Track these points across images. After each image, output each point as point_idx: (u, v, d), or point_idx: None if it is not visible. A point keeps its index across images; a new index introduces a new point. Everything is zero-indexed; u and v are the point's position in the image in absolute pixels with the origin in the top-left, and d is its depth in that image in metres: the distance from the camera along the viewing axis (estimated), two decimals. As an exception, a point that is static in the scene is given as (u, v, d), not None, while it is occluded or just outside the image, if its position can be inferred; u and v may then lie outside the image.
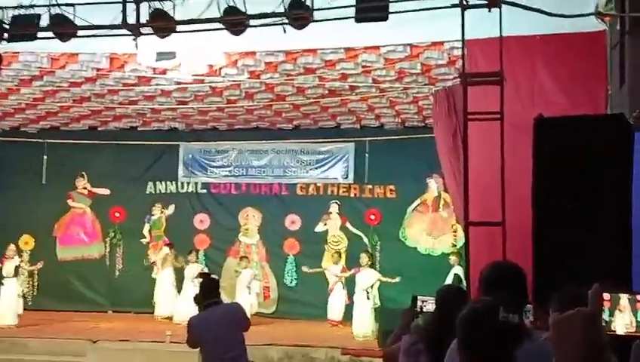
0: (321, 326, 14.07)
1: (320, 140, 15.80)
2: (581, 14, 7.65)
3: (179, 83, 12.00)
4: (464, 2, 7.21)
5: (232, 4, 7.78)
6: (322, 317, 14.49)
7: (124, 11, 7.97)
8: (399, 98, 12.89)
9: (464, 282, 10.52)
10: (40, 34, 8.43)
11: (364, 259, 13.77)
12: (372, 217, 15.63)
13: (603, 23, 8.10)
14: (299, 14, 7.69)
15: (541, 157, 6.07)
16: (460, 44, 7.80)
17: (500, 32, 7.24)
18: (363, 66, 10.85)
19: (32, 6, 8.25)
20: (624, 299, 5.21)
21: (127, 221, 16.47)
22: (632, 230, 5.88)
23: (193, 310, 6.91)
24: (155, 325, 13.82)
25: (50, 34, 8.40)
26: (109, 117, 15.19)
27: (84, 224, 16.71)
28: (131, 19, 8.02)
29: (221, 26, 8.01)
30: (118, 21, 8.01)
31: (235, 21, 7.90)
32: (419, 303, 4.83)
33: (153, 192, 16.53)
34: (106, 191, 16.51)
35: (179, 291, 14.67)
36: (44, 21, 8.28)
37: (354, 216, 15.75)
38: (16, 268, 14.01)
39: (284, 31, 7.90)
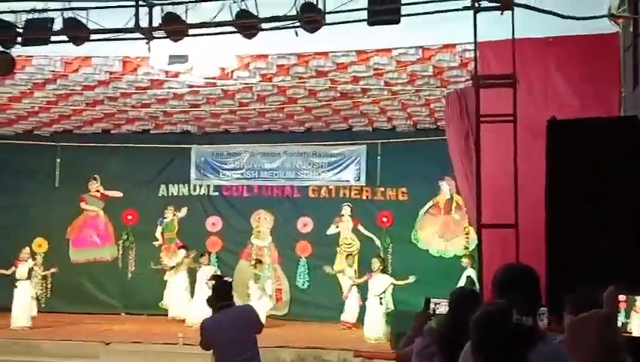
0: (333, 329, 14.08)
1: (332, 143, 15.81)
2: (594, 16, 7.63)
3: (191, 86, 12.03)
4: (476, 5, 7.21)
5: (244, 7, 7.81)
6: (334, 320, 14.50)
7: (136, 15, 8.01)
8: (411, 100, 12.88)
9: (477, 284, 10.49)
10: (53, 38, 8.48)
11: (375, 264, 13.78)
12: (384, 220, 15.62)
13: (616, 25, 8.07)
14: (311, 17, 7.71)
15: (554, 159, 6.05)
16: (471, 47, 7.78)
17: (513, 35, 7.23)
18: (375, 69, 10.84)
19: (45, 10, 8.31)
20: (640, 300, 5.18)
21: (139, 223, 16.53)
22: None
23: (206, 312, 6.93)
24: (167, 327, 13.85)
25: (63, 38, 8.46)
26: (122, 120, 15.26)
27: (97, 226, 16.79)
28: (144, 23, 8.07)
29: (233, 29, 8.04)
30: (131, 25, 8.06)
31: (247, 24, 7.93)
32: (432, 305, 4.81)
33: (165, 195, 16.58)
34: (118, 194, 16.59)
35: (191, 293, 14.73)
36: (58, 25, 8.35)
37: (366, 219, 15.75)
38: (30, 270, 14.09)
39: (296, 34, 7.92)
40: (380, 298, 13.31)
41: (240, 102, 13.12)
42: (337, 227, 15.83)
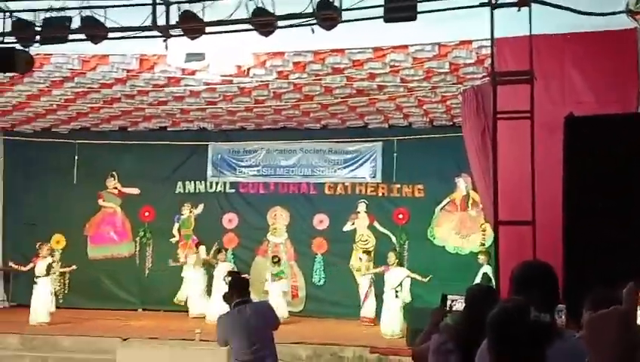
0: (349, 325, 14.09)
1: (348, 140, 15.81)
2: (612, 12, 7.58)
3: (208, 84, 12.07)
4: (493, 1, 7.19)
5: (260, 5, 7.83)
6: (350, 316, 14.53)
7: (154, 13, 8.05)
8: (427, 97, 12.85)
9: (493, 281, 10.47)
10: (71, 36, 8.54)
11: (391, 258, 13.84)
12: (400, 216, 15.61)
13: (634, 21, 8.02)
14: (327, 15, 7.71)
15: (572, 156, 6.03)
16: (488, 43, 7.76)
17: (530, 31, 7.21)
18: (391, 66, 10.82)
19: (63, 9, 8.35)
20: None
21: (156, 220, 16.62)
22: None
23: (225, 309, 6.97)
24: (184, 323, 13.93)
25: (81, 36, 8.51)
26: (139, 117, 15.32)
27: (115, 223, 16.89)
28: (161, 21, 8.10)
29: (250, 27, 8.05)
30: (149, 23, 8.09)
31: (263, 22, 7.95)
32: (448, 302, 4.81)
33: (182, 192, 16.65)
34: (135, 191, 16.68)
35: (208, 290, 14.81)
36: (76, 23, 8.39)
37: (382, 216, 15.74)
38: (49, 267, 14.20)
39: (313, 31, 7.92)
40: (396, 291, 13.32)
41: (256, 100, 13.14)
42: (353, 224, 15.84)
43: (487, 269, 12.82)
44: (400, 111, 14.23)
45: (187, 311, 15.12)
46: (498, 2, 7.23)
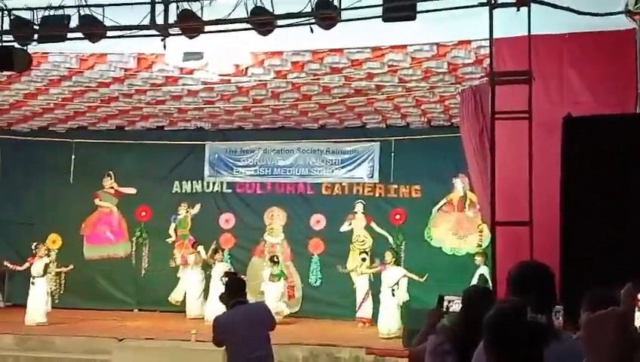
0: (345, 326, 14.07)
1: (345, 140, 15.79)
2: (610, 13, 7.58)
3: (205, 83, 12.06)
4: (492, 1, 7.18)
5: (259, 4, 7.82)
6: (346, 317, 14.50)
7: (152, 12, 8.04)
8: (425, 97, 12.84)
9: (490, 282, 10.46)
10: (69, 35, 8.52)
11: (388, 256, 13.80)
12: (397, 217, 15.60)
13: (633, 22, 8.01)
14: (326, 14, 7.70)
15: (570, 156, 6.03)
16: (487, 43, 7.76)
17: (529, 31, 7.19)
18: (389, 66, 10.82)
19: (61, 7, 8.33)
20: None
21: (153, 220, 16.59)
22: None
23: (222, 309, 6.95)
24: (180, 324, 13.90)
25: (79, 35, 8.50)
26: (137, 117, 15.31)
27: (111, 223, 16.86)
28: (159, 20, 8.09)
29: (248, 26, 8.04)
30: (147, 22, 8.08)
31: (262, 21, 7.94)
32: (445, 303, 4.79)
33: (179, 191, 16.62)
34: (132, 191, 16.66)
35: (205, 290, 14.78)
36: (74, 22, 8.37)
37: (379, 216, 15.72)
38: (46, 266, 14.15)
39: (311, 31, 7.91)
40: (393, 289, 13.30)
41: (254, 99, 13.14)
42: (350, 224, 15.82)
43: (484, 270, 12.80)
44: (398, 111, 14.23)
45: (184, 312, 15.09)
46: (497, 2, 7.21)
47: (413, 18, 7.59)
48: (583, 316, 3.27)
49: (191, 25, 8.13)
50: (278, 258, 15.15)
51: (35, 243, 14.37)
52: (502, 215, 7.23)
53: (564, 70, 8.44)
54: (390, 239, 15.45)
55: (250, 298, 9.00)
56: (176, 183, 16.61)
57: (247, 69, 11.12)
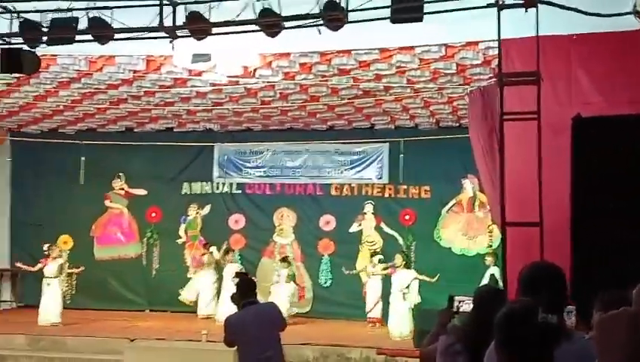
0: (356, 326, 14.08)
1: (354, 141, 15.80)
2: (619, 13, 7.55)
3: (214, 84, 12.08)
4: (500, 2, 7.17)
5: (267, 6, 7.83)
6: (357, 317, 14.51)
7: (160, 14, 8.05)
8: (434, 98, 12.83)
9: (500, 283, 10.45)
10: (78, 37, 8.54)
11: (398, 259, 13.76)
12: (407, 217, 15.60)
13: (641, 22, 7.99)
14: (334, 16, 7.70)
15: (580, 156, 6.03)
16: (495, 44, 7.75)
17: (537, 31, 7.19)
18: (397, 67, 10.81)
19: (70, 9, 8.36)
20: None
21: (163, 221, 16.65)
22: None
23: (233, 309, 6.98)
24: (191, 324, 13.94)
25: (88, 37, 8.52)
26: (146, 118, 15.35)
27: (121, 224, 16.93)
28: (168, 22, 8.11)
29: (256, 27, 8.06)
30: (155, 24, 8.10)
31: (270, 23, 7.94)
32: (455, 303, 4.79)
33: (188, 193, 16.67)
34: (142, 192, 16.72)
35: (217, 290, 14.81)
36: (82, 24, 8.39)
37: (388, 217, 15.73)
38: (60, 267, 14.20)
39: (319, 32, 7.92)
40: (404, 293, 13.28)
41: (262, 101, 13.15)
42: (360, 225, 15.83)
43: (494, 270, 12.79)
44: (406, 113, 14.22)
45: (195, 312, 15.13)
46: (505, 3, 7.21)
47: (421, 19, 7.58)
48: (596, 316, 3.28)
49: (199, 27, 8.14)
50: (289, 258, 15.16)
51: (47, 245, 14.42)
52: (512, 215, 7.22)
53: (572, 71, 8.41)
54: (400, 240, 15.46)
55: (260, 299, 9.03)
56: (186, 184, 16.66)
57: (255, 70, 11.13)
